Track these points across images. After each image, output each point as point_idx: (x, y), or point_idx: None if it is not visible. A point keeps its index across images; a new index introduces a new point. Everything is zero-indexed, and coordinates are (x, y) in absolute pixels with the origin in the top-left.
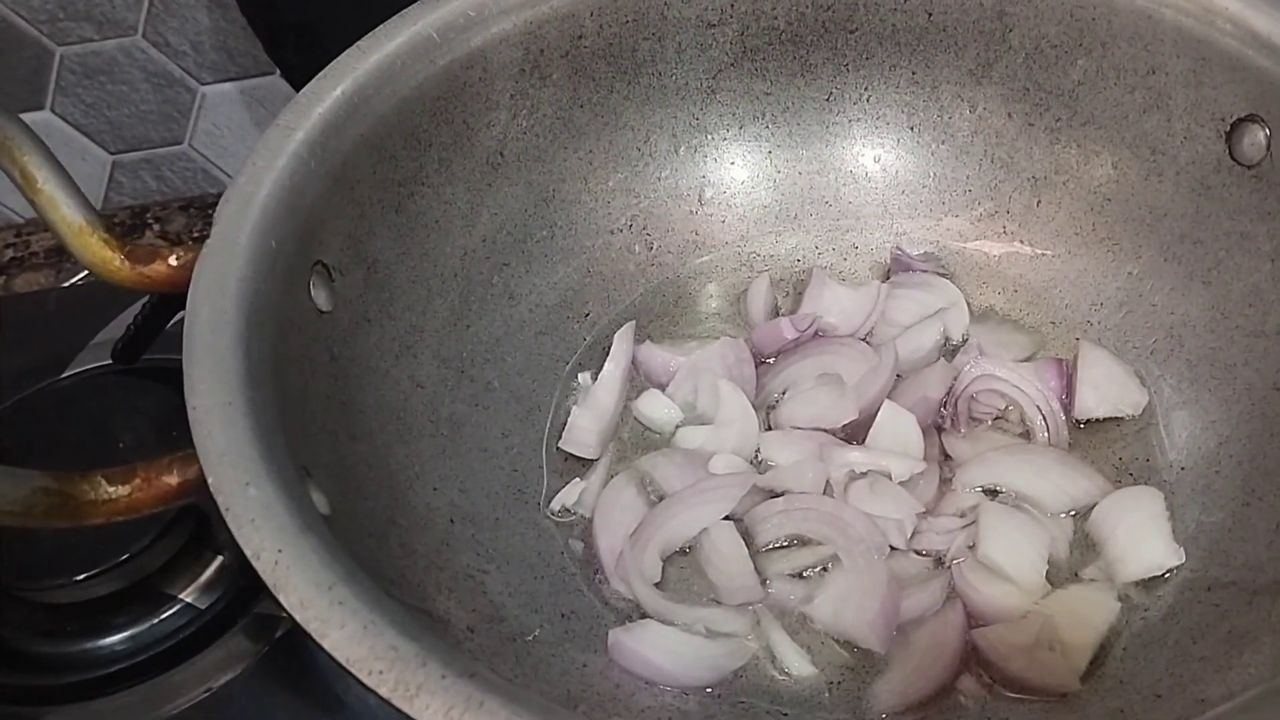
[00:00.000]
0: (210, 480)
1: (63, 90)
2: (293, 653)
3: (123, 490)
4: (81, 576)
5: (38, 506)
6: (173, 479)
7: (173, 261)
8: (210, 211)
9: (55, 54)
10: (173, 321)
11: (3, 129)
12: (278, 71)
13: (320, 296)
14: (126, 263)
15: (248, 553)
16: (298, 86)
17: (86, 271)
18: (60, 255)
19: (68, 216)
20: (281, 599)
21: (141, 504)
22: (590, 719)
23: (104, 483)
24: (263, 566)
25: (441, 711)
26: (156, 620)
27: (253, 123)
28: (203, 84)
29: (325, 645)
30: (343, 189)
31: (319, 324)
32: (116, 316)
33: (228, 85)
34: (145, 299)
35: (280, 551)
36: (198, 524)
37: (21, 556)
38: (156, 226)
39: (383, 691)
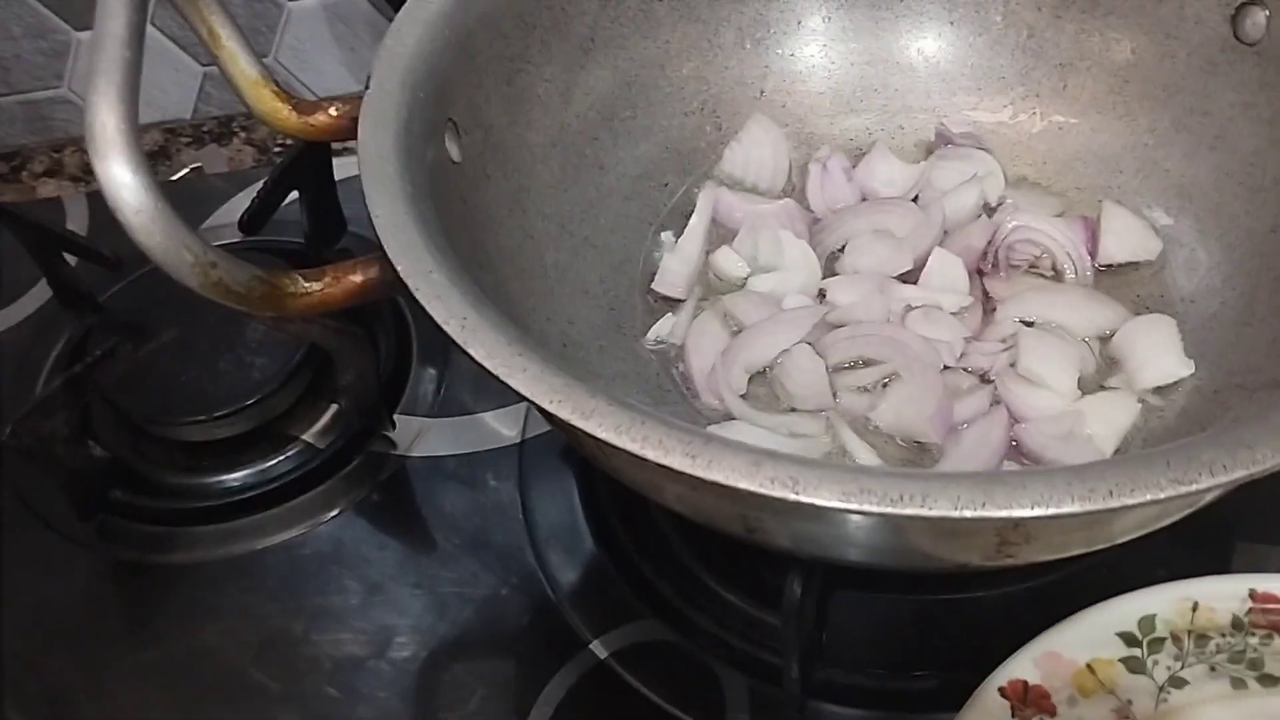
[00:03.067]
0: (400, 268)
1: (160, 2)
2: (396, 493)
3: (315, 286)
4: (217, 414)
5: (255, 292)
6: (357, 277)
7: (332, 112)
8: None
9: None
10: (286, 201)
11: None
12: None
13: (453, 149)
14: (294, 113)
15: (438, 319)
16: (378, 4)
17: (186, 170)
18: (158, 157)
19: (246, 71)
20: (471, 353)
21: (332, 299)
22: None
23: (301, 280)
24: (452, 329)
25: (611, 427)
26: (280, 458)
27: (333, 38)
28: (289, 0)
29: (512, 384)
30: (466, 58)
31: (452, 172)
32: (215, 210)
33: (312, 2)
34: (256, 184)
35: (465, 318)
36: (317, 374)
37: (163, 399)
38: (242, 135)
39: (563, 414)
